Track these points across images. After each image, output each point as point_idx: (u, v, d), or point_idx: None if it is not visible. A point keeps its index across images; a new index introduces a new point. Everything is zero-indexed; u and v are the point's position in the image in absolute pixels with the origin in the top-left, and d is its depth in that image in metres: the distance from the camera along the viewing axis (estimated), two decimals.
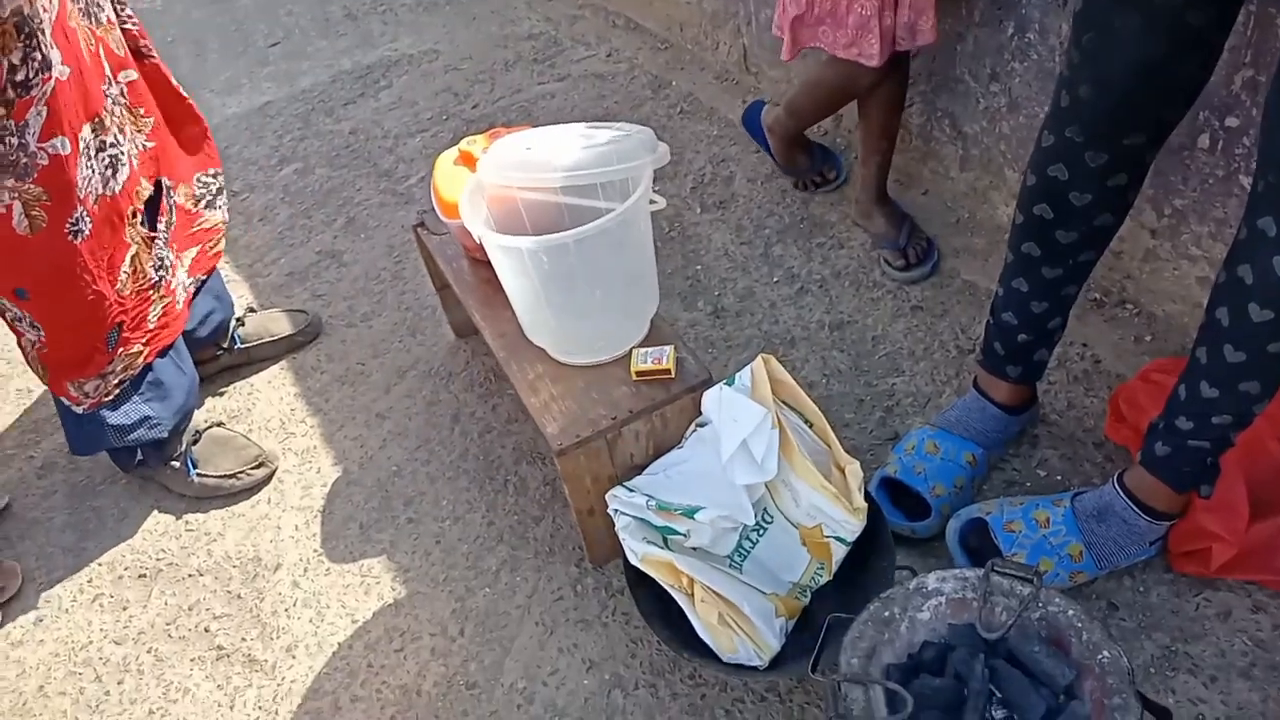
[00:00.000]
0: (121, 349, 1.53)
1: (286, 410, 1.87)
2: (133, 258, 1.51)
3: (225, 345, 1.93)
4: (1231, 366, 1.11)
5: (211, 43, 3.34)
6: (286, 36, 3.30)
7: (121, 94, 1.50)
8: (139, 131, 1.55)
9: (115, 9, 1.52)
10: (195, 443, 1.73)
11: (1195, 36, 1.06)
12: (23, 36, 1.23)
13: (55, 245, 1.39)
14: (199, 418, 1.77)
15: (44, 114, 1.29)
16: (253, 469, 1.72)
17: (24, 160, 1.29)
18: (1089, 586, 1.32)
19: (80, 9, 1.41)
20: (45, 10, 1.26)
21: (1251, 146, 1.39)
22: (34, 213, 1.34)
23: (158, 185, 1.59)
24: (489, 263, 1.46)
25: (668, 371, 1.36)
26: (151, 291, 1.56)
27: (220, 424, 1.79)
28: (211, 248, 1.77)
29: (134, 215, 1.50)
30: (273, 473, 1.74)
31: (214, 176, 1.78)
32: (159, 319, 1.58)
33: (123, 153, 1.46)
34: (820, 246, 1.98)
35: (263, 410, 1.88)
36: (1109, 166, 1.18)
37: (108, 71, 1.46)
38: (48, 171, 1.32)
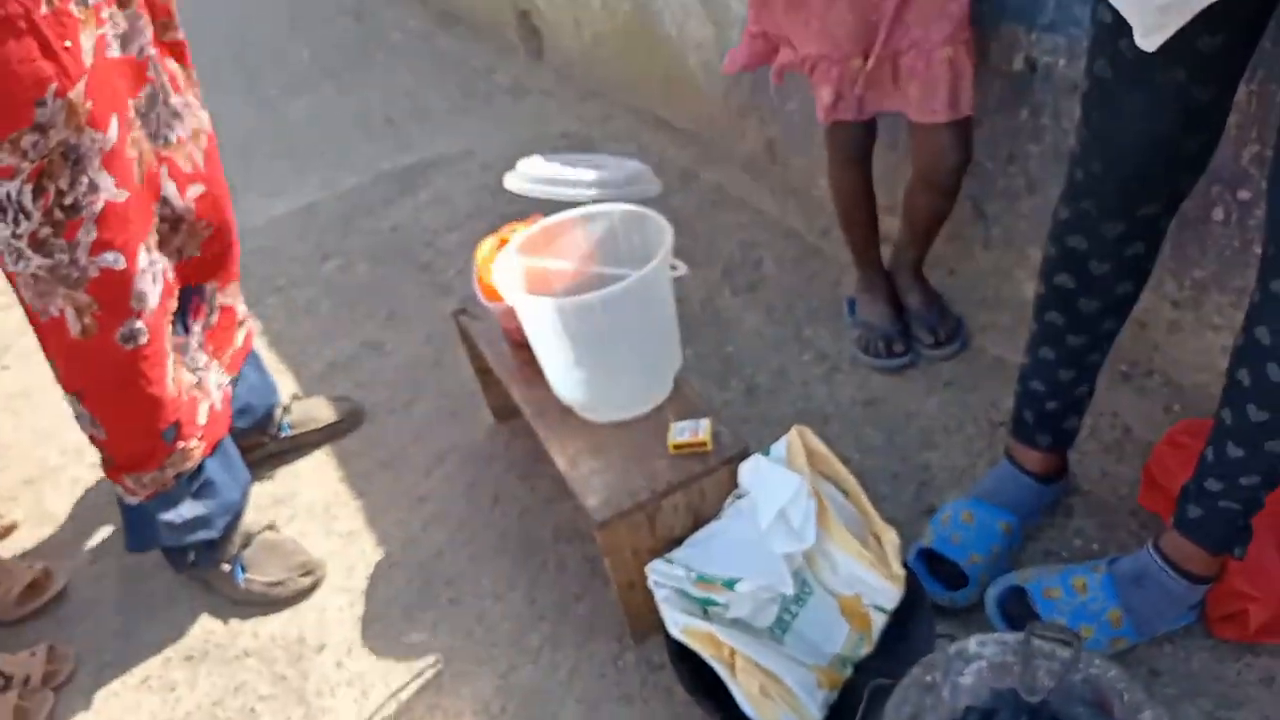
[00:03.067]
0: (181, 443, 1.59)
1: (330, 495, 1.92)
2: (173, 364, 1.58)
3: (272, 433, 1.99)
4: (1256, 426, 1.13)
5: (259, 150, 3.52)
6: (330, 142, 3.47)
7: (187, 209, 1.59)
8: (194, 243, 1.63)
9: (194, 123, 1.63)
10: (246, 546, 1.75)
11: (1198, 111, 1.11)
12: (69, 164, 1.31)
13: (108, 351, 1.46)
14: (252, 520, 1.80)
15: (94, 232, 1.37)
16: (300, 576, 1.73)
17: (75, 274, 1.38)
18: (1130, 654, 1.31)
19: (148, 134, 1.51)
20: (94, 141, 1.34)
21: (1263, 218, 1.43)
22: (86, 320, 1.43)
23: (187, 291, 1.67)
24: (528, 345, 1.53)
25: (704, 444, 1.40)
26: (196, 391, 1.63)
27: (271, 527, 1.81)
28: (240, 348, 1.86)
29: (171, 324, 1.58)
30: (319, 581, 1.75)
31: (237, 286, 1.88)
32: (207, 416, 1.64)
33: (157, 268, 1.53)
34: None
35: (307, 496, 1.93)
36: (1126, 236, 1.23)
37: (170, 192, 1.55)
38: (97, 283, 1.40)
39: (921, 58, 1.57)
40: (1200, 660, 1.30)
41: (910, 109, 1.64)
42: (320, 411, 2.06)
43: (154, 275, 1.51)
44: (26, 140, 1.26)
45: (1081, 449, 1.60)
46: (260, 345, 2.40)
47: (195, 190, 1.61)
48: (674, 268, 1.39)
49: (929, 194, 1.77)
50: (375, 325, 2.39)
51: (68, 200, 1.33)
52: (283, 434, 2.00)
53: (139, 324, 1.46)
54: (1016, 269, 1.94)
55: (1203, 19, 0.96)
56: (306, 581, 1.73)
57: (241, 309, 1.87)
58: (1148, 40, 0.99)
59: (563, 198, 1.65)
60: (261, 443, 1.98)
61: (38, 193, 1.30)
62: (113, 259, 1.40)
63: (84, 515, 1.99)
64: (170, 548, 1.68)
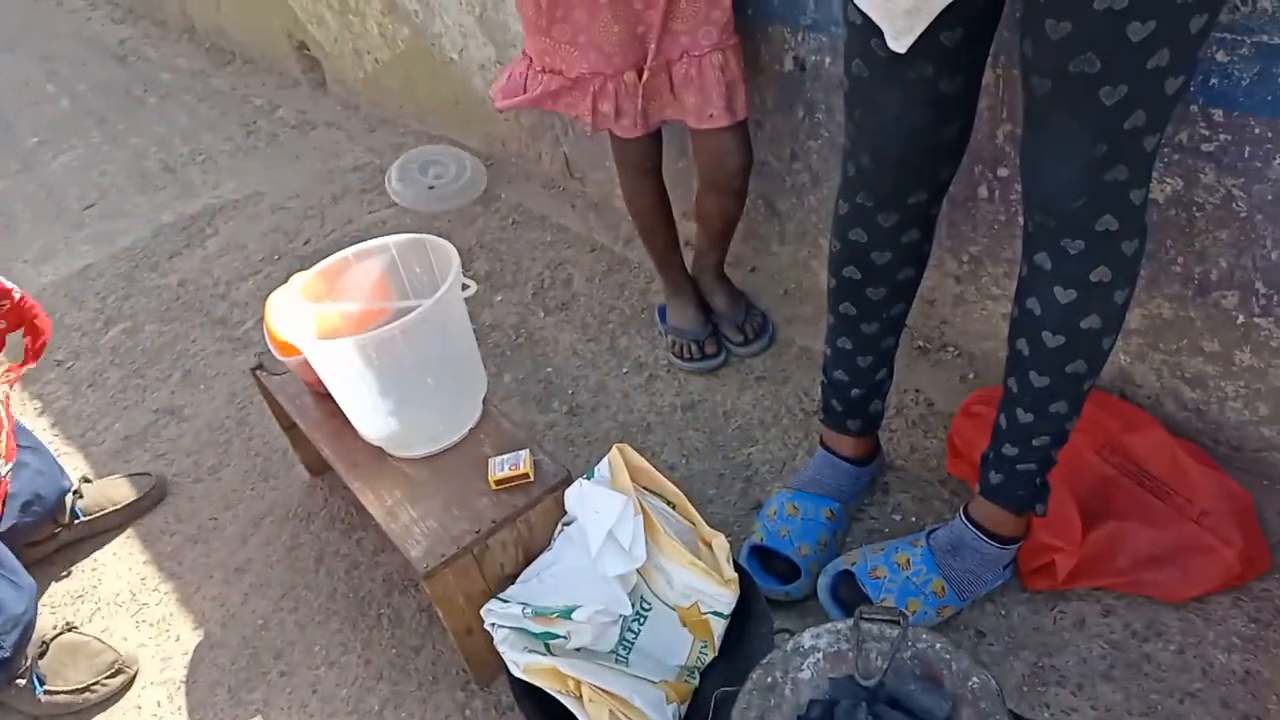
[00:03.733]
0: None
1: (136, 581, 1.77)
2: None
3: (65, 521, 1.81)
4: (1039, 391, 1.20)
5: (22, 212, 3.22)
6: (102, 197, 3.22)
7: None
8: None
9: None
10: (42, 655, 1.58)
11: (949, 101, 1.17)
12: None
13: None
14: (46, 624, 1.64)
15: None
16: (108, 678, 1.58)
17: None
18: (955, 619, 1.38)
19: None
20: None
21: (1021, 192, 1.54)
22: None
23: None
24: (331, 395, 1.46)
25: (526, 475, 1.37)
26: None
27: (71, 627, 1.64)
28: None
29: None
30: (132, 678, 1.60)
31: None
32: None
33: None
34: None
35: (110, 585, 1.77)
36: (901, 224, 1.28)
37: None
38: None
39: (694, 65, 1.59)
40: (1019, 614, 1.38)
41: (689, 117, 1.66)
42: (116, 491, 1.89)
43: None
44: None
45: (890, 427, 1.68)
46: (42, 426, 2.20)
47: None
48: (465, 286, 1.38)
49: (718, 198, 1.80)
50: (170, 390, 2.23)
51: None
52: (77, 520, 1.83)
53: None
54: (813, 260, 2.02)
55: (943, 16, 1.01)
56: (117, 682, 1.58)
57: None
58: (898, 43, 1.04)
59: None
60: (54, 534, 1.81)
61: None
62: None
63: None
64: None
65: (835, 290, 1.39)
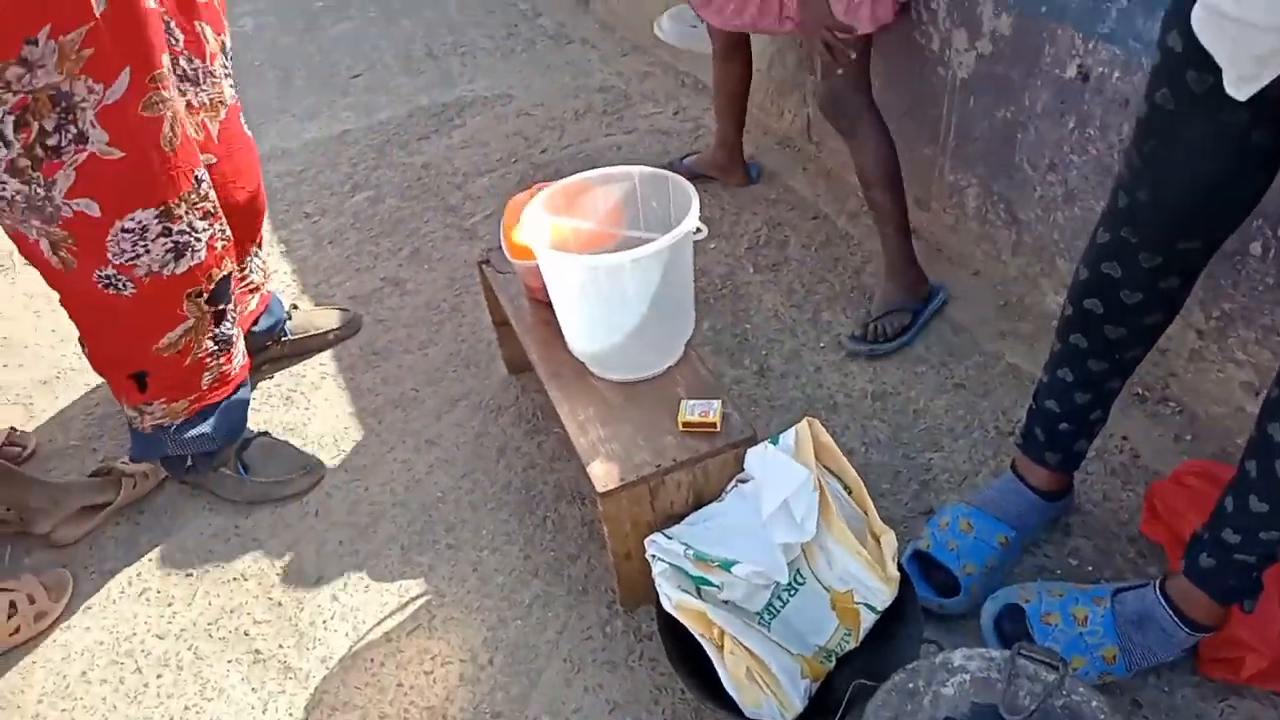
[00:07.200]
0: (163, 399, 1.62)
1: (340, 428, 1.94)
2: (188, 329, 1.57)
3: (277, 338, 2.07)
4: None
5: (298, 69, 3.49)
6: (369, 69, 3.45)
7: (207, 183, 1.56)
8: (218, 220, 1.59)
9: (196, 86, 1.61)
10: (244, 449, 1.80)
11: (1258, 153, 1.09)
12: (58, 109, 1.29)
13: (87, 289, 1.47)
14: (250, 422, 1.84)
15: (73, 177, 1.35)
16: (301, 476, 1.79)
17: (49, 209, 1.37)
18: (1114, 682, 1.33)
19: (178, 93, 1.49)
20: (92, 92, 1.31)
21: None
22: (61, 253, 1.43)
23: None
24: (549, 304, 1.54)
25: (714, 425, 1.40)
26: (209, 359, 1.64)
27: (266, 433, 1.86)
28: (253, 310, 1.92)
29: (199, 294, 1.57)
30: (320, 479, 1.82)
31: (256, 245, 1.91)
32: (210, 383, 1.66)
33: (196, 239, 1.52)
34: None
35: (318, 426, 1.95)
36: (1162, 268, 1.21)
37: (198, 168, 1.52)
38: (72, 223, 1.39)
39: None
40: (1184, 696, 1.31)
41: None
42: (321, 319, 2.15)
43: (175, 245, 1.49)
44: (11, 73, 1.24)
45: (1086, 470, 1.61)
46: (283, 269, 2.41)
47: (203, 160, 1.58)
48: (697, 230, 1.41)
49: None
50: (399, 262, 2.40)
51: (50, 141, 1.31)
52: (285, 338, 2.08)
53: (120, 276, 1.46)
54: (1043, 279, 1.93)
55: None
56: (308, 480, 1.80)
57: (256, 277, 1.92)
58: (1240, 90, 0.96)
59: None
60: (266, 346, 2.06)
61: (19, 125, 1.28)
62: (87, 205, 1.38)
63: (94, 421, 2.02)
64: (169, 456, 1.73)
65: (1070, 319, 1.33)
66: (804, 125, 2.59)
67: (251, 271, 1.92)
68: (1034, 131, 1.81)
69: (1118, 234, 1.22)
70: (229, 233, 1.62)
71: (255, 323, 1.97)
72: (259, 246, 1.92)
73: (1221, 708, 1.29)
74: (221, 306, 1.62)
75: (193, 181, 1.50)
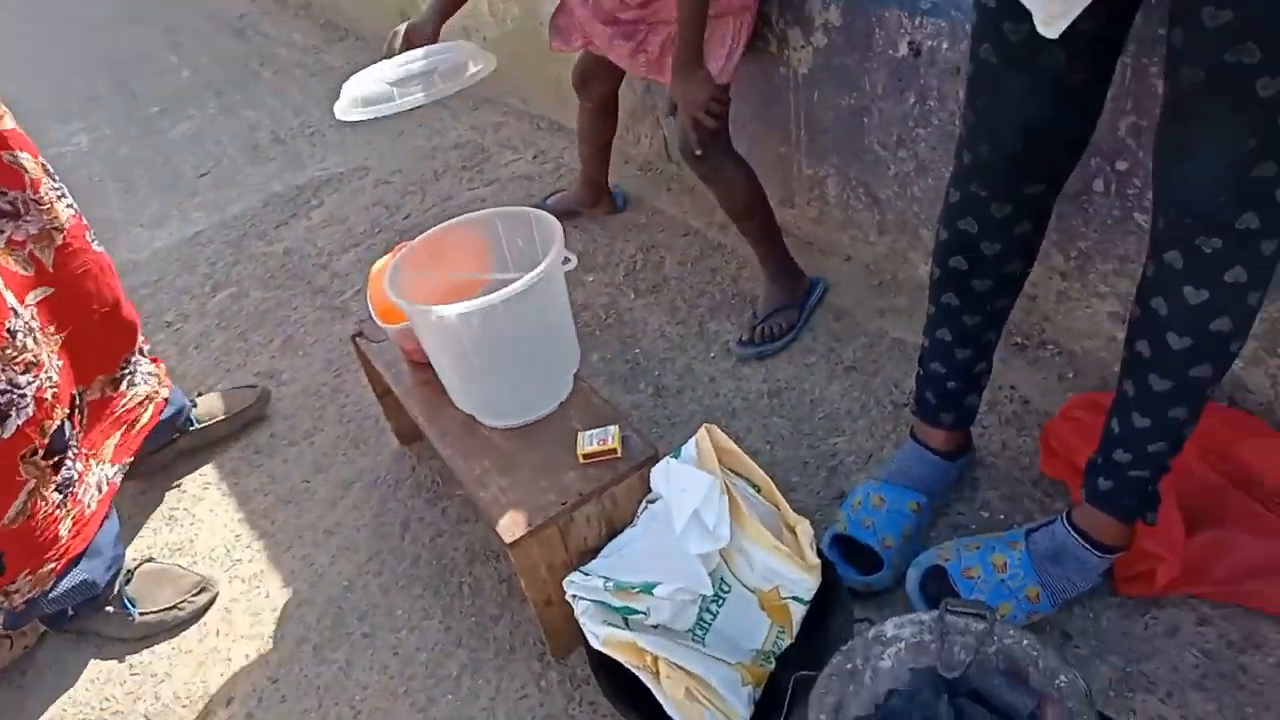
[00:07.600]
0: (26, 572, 1.49)
1: (231, 537, 1.83)
2: (31, 493, 1.46)
3: (182, 428, 1.97)
4: (1159, 395, 1.15)
5: (140, 177, 3.37)
6: (216, 166, 3.35)
7: (32, 317, 1.46)
8: (51, 351, 1.49)
9: (16, 220, 1.51)
10: (128, 582, 1.68)
11: (1078, 92, 1.13)
12: None
13: None
14: (128, 554, 1.73)
15: None
16: (194, 595, 1.68)
17: None
18: (1042, 620, 1.33)
19: None
20: None
21: (1142, 187, 1.47)
22: None
23: (71, 402, 1.56)
24: (428, 364, 1.49)
25: (614, 451, 1.37)
26: (59, 510, 1.52)
27: (150, 559, 1.75)
28: (136, 426, 1.79)
29: (34, 453, 1.45)
30: (214, 597, 1.70)
31: (137, 353, 1.81)
32: (70, 531, 1.54)
33: (20, 395, 1.41)
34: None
35: (206, 540, 1.84)
36: (1013, 216, 1.24)
37: (11, 303, 1.42)
38: None
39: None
40: (1108, 619, 1.33)
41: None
42: (225, 402, 2.05)
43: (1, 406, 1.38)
44: None
45: (982, 423, 1.63)
46: None
47: (37, 295, 1.50)
48: (566, 259, 1.38)
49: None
50: (270, 354, 2.31)
51: None
52: (190, 428, 1.98)
53: None
54: (911, 251, 1.97)
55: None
56: (202, 599, 1.68)
57: (144, 388, 1.81)
58: (1050, 28, 0.98)
59: (399, 110, 1.65)
60: (173, 440, 1.96)
61: None
62: None
63: None
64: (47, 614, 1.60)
65: (939, 280, 1.35)
66: (661, 147, 2.61)
67: (139, 382, 1.80)
68: (878, 113, 1.85)
69: (968, 190, 1.25)
70: (56, 376, 1.51)
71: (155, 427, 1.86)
72: (142, 354, 1.82)
73: (1145, 621, 1.31)
74: (58, 458, 1.50)
75: (6, 337, 1.39)
